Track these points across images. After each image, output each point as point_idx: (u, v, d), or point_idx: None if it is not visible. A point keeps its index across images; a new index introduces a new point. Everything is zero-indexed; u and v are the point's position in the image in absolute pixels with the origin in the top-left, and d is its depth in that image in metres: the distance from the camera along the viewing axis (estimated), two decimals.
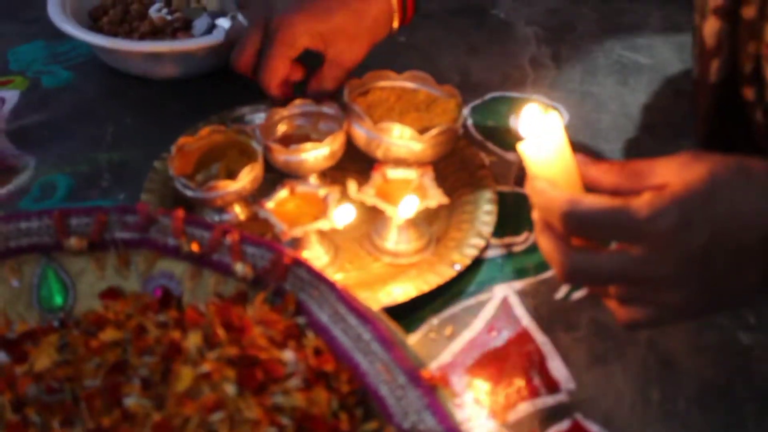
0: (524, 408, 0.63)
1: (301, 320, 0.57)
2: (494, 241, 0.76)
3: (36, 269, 0.62)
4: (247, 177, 0.73)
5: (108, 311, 0.59)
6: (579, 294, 0.71)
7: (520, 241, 0.77)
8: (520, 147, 0.55)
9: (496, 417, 0.62)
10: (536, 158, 0.55)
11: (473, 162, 0.82)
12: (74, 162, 0.86)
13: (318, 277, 0.58)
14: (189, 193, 0.73)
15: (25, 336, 0.59)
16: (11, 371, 0.56)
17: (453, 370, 0.65)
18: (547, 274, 0.73)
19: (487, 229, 0.75)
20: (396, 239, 0.74)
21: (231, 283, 0.60)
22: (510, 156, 0.86)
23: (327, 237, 0.74)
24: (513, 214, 0.79)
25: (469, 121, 0.91)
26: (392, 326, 0.56)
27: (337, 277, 0.71)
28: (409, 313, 0.69)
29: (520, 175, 0.83)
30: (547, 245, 0.55)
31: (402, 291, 0.69)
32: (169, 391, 0.52)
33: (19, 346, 0.58)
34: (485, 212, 0.77)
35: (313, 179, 0.78)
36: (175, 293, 0.61)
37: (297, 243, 0.71)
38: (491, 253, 0.76)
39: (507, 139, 0.88)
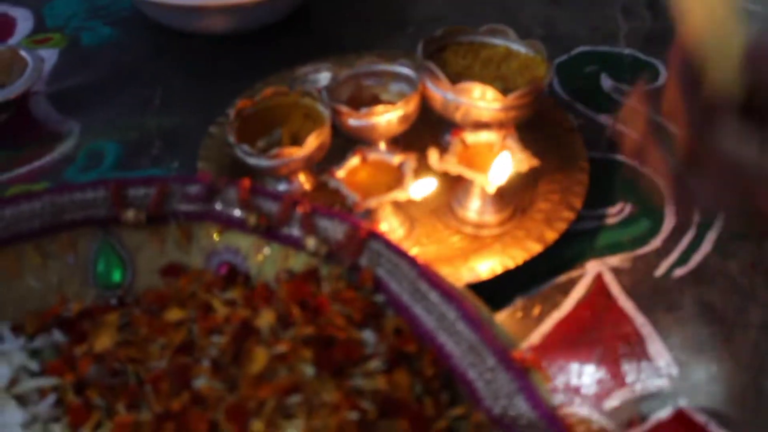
0: (622, 394, 0.65)
1: (379, 298, 0.60)
2: (586, 212, 0.78)
3: (92, 244, 0.66)
4: (315, 143, 0.76)
5: (170, 289, 0.63)
6: (681, 272, 0.74)
7: (615, 213, 0.80)
8: None
9: (591, 404, 0.64)
10: None
11: (561, 125, 0.85)
12: (122, 128, 0.90)
13: (397, 252, 0.61)
14: (251, 161, 0.76)
15: (83, 315, 0.63)
16: (70, 352, 0.60)
17: (542, 354, 0.68)
18: (646, 249, 0.76)
19: (578, 200, 0.78)
20: (479, 209, 0.76)
21: (302, 258, 0.63)
22: (601, 118, 0.88)
23: (402, 208, 0.77)
24: (606, 182, 0.82)
25: (555, 80, 0.93)
26: (479, 304, 0.58)
27: (413, 251, 0.73)
28: (493, 292, 0.71)
29: (612, 139, 0.86)
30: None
31: (486, 267, 0.72)
32: (241, 373, 0.55)
33: (76, 326, 0.62)
34: (575, 182, 0.79)
35: (382, 146, 0.81)
36: (240, 269, 0.64)
37: (370, 215, 0.74)
38: (582, 226, 0.78)
39: (598, 100, 0.90)
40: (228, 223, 0.65)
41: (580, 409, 0.64)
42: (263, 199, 0.64)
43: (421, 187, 0.73)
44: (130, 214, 0.65)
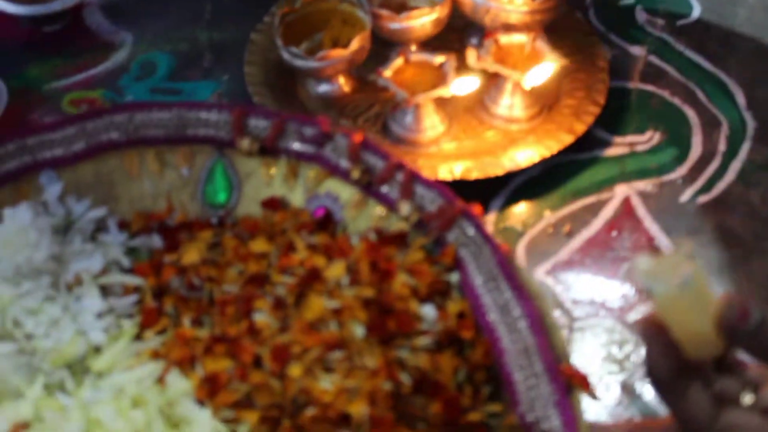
0: (644, 309, 0.72)
1: (453, 277, 0.63)
2: (616, 138, 0.88)
3: (207, 162, 0.71)
4: (358, 45, 0.83)
5: (265, 221, 0.68)
6: (705, 199, 0.81)
7: (644, 141, 0.88)
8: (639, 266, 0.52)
9: (616, 317, 0.71)
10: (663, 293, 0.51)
11: (580, 30, 0.95)
12: (173, 39, 0.97)
13: (484, 237, 0.63)
14: (299, 62, 0.83)
15: (182, 226, 0.69)
16: (160, 258, 0.66)
17: (570, 268, 0.77)
18: (671, 176, 0.85)
19: (601, 96, 0.87)
20: (510, 105, 0.85)
21: (394, 221, 0.66)
22: (634, 50, 0.96)
23: (441, 106, 0.84)
24: (636, 111, 0.90)
25: (591, 11, 0.99)
26: (546, 308, 0.60)
27: (452, 145, 0.83)
28: (527, 208, 0.80)
29: (644, 70, 0.95)
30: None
31: (524, 157, 0.82)
32: (297, 317, 0.59)
33: (174, 235, 0.68)
34: (597, 80, 0.88)
35: (413, 48, 0.88)
36: (336, 217, 0.68)
37: (416, 111, 0.82)
38: (613, 152, 0.86)
39: (631, 32, 0.97)
40: (334, 171, 0.68)
41: (604, 321, 0.71)
42: (371, 154, 0.67)
43: (465, 85, 0.81)
44: (245, 142, 0.70)
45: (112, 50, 0.98)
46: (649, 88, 0.93)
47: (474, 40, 0.94)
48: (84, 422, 0.57)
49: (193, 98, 0.91)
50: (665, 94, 0.92)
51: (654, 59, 0.95)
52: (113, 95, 0.93)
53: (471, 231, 0.63)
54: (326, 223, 0.67)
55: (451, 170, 0.79)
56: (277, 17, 0.87)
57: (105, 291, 0.65)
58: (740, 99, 0.92)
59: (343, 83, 0.89)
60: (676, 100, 0.92)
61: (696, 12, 0.99)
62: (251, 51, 0.91)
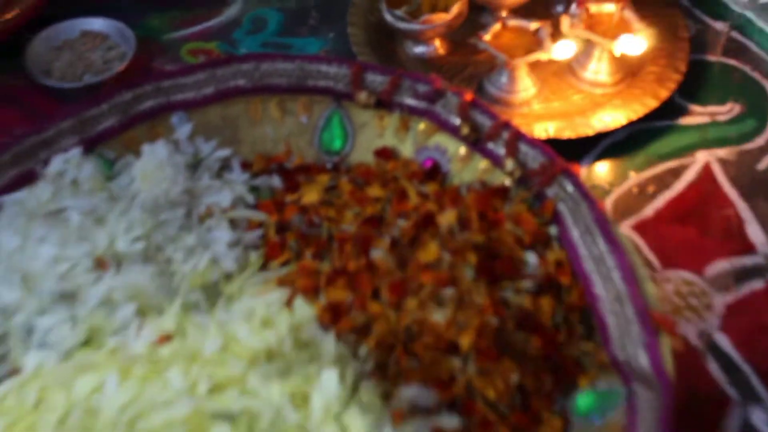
0: (721, 265, 0.80)
1: (552, 230, 0.70)
2: (698, 108, 0.94)
3: (324, 111, 0.79)
4: (458, 10, 0.90)
5: (378, 168, 0.75)
6: None
7: (724, 111, 0.94)
8: None
9: (695, 270, 0.79)
10: None
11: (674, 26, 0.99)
12: None
13: (582, 193, 0.69)
14: (401, 25, 0.91)
15: (300, 169, 0.77)
16: (281, 197, 0.74)
17: (655, 225, 0.83)
18: (750, 145, 0.91)
19: (683, 63, 0.93)
20: (596, 70, 0.91)
21: (497, 175, 0.73)
22: (717, 25, 1.02)
23: (533, 70, 0.91)
24: (718, 83, 0.97)
25: None
26: (638, 261, 0.67)
27: (542, 107, 0.90)
28: (613, 169, 0.87)
29: (727, 45, 1.01)
30: None
31: (612, 119, 0.88)
32: (413, 257, 0.67)
33: (293, 177, 0.76)
34: (678, 48, 0.95)
35: (504, 14, 0.95)
36: (442, 169, 0.75)
37: (511, 74, 0.89)
38: (695, 120, 0.93)
39: (715, 7, 1.04)
40: (443, 126, 0.76)
41: (683, 273, 0.79)
42: (479, 112, 0.74)
43: (563, 50, 0.88)
44: (363, 95, 0.77)
45: (224, 5, 1.05)
46: (731, 62, 0.99)
47: (559, 8, 1.00)
48: (222, 338, 0.64)
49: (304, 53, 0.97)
50: (746, 68, 0.99)
51: (736, 35, 1.01)
52: (228, 47, 1.00)
53: (570, 188, 0.70)
54: (434, 173, 0.75)
55: (546, 129, 0.85)
56: None
57: (232, 224, 0.73)
58: None
59: (438, 45, 0.96)
60: (757, 75, 0.98)
61: None
62: (352, 13, 0.98)
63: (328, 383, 0.61)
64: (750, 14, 1.02)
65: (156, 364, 0.63)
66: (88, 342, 0.67)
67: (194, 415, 0.59)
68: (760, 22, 1.02)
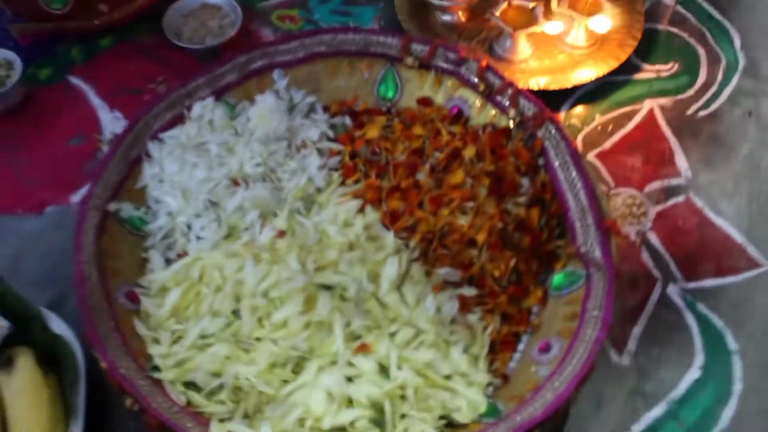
0: (656, 184, 0.98)
1: (540, 161, 0.88)
2: (648, 66, 1.09)
3: (381, 70, 0.95)
4: None
5: (420, 112, 0.93)
6: (704, 113, 1.05)
7: (667, 69, 1.09)
8: None
9: (637, 187, 0.98)
10: None
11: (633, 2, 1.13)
12: None
13: (562, 135, 0.87)
14: (435, 1, 1.07)
15: (364, 112, 0.94)
16: (352, 133, 0.92)
17: (611, 154, 1.01)
18: (683, 96, 1.06)
19: (638, 33, 1.08)
20: (575, 37, 1.09)
21: (503, 119, 0.91)
22: (667, 0, 1.15)
23: (531, 38, 1.07)
24: (664, 47, 1.11)
25: None
26: (597, 184, 0.87)
27: (536, 64, 1.08)
28: (584, 112, 1.05)
29: (673, 16, 1.14)
30: None
31: (585, 75, 1.05)
32: (445, 179, 0.85)
33: (359, 117, 0.94)
34: (635, 20, 1.09)
35: None
36: (465, 114, 0.94)
37: (513, 39, 1.06)
38: (645, 76, 1.08)
39: None
40: (466, 83, 0.93)
41: (629, 190, 0.96)
42: (492, 74, 0.91)
43: (553, 26, 1.07)
44: (410, 59, 0.94)
45: None
46: (674, 30, 1.14)
47: None
48: (318, 234, 0.83)
49: (360, 19, 1.12)
50: (685, 35, 1.13)
51: (680, 8, 1.14)
52: (305, 14, 1.13)
53: (553, 130, 0.87)
54: (459, 117, 0.92)
55: (537, 83, 1.02)
56: None
57: (320, 152, 0.90)
58: (737, 42, 1.12)
59: (461, 15, 1.11)
60: (692, 41, 1.12)
61: None
62: None
63: (390, 266, 0.80)
64: None
65: (277, 251, 0.81)
66: (228, 236, 0.84)
67: (307, 286, 0.77)
68: None
